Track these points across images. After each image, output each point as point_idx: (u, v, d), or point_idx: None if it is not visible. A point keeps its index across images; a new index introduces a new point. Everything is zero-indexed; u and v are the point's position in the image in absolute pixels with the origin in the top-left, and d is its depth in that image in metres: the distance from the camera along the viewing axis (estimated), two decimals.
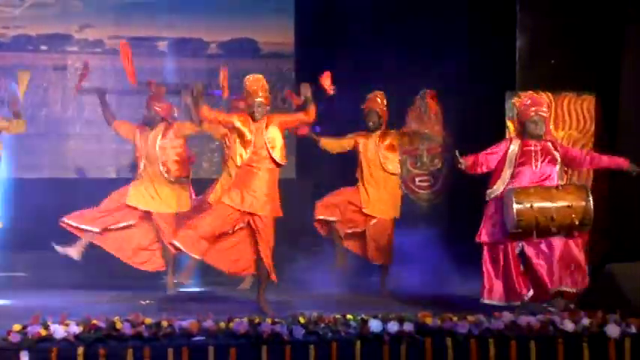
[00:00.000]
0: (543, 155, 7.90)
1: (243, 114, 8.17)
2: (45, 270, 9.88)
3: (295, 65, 11.94)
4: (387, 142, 9.57)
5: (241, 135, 7.97)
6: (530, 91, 8.26)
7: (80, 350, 6.25)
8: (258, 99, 7.94)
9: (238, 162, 8.03)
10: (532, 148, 7.91)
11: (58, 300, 8.57)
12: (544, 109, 8.03)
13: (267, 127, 7.95)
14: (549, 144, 7.98)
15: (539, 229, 7.67)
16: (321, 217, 9.63)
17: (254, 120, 7.98)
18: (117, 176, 11.20)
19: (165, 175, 9.20)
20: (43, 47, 11.55)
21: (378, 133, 9.61)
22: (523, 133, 8.03)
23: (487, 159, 8.02)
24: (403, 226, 9.70)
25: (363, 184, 9.58)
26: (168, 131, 9.23)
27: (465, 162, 7.98)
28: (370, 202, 9.54)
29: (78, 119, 11.25)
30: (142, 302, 8.56)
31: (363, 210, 9.54)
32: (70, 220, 9.08)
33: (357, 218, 9.61)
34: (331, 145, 9.76)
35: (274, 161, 7.95)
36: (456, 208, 10.56)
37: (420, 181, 11.24)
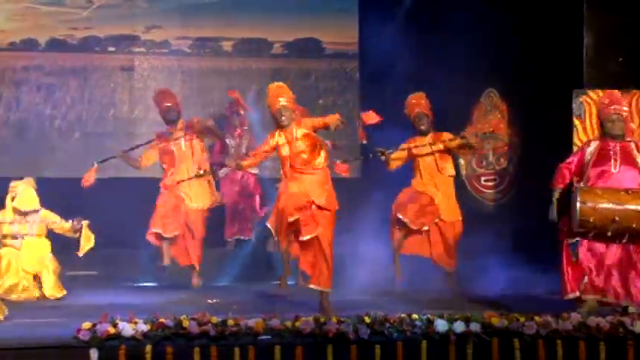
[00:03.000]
0: (622, 156, 7.65)
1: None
2: (115, 268, 10.02)
3: (359, 65, 11.94)
4: (440, 144, 9.50)
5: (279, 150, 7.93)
6: (614, 90, 8.05)
7: (148, 348, 6.31)
8: (281, 104, 7.88)
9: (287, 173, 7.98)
10: (610, 148, 7.68)
11: (127, 298, 8.68)
12: (624, 108, 7.82)
13: (297, 131, 7.87)
14: (632, 144, 7.73)
15: (601, 230, 7.50)
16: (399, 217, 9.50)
17: (283, 128, 7.91)
18: None
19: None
20: (111, 48, 11.69)
21: (431, 135, 9.55)
22: (602, 132, 7.85)
23: (569, 168, 7.81)
24: (469, 225, 9.63)
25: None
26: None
27: (558, 187, 7.76)
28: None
29: (145, 120, 11.36)
30: (209, 301, 8.62)
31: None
32: None
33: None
34: (397, 163, 9.65)
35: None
36: (522, 207, 10.45)
37: (485, 180, 11.14)
